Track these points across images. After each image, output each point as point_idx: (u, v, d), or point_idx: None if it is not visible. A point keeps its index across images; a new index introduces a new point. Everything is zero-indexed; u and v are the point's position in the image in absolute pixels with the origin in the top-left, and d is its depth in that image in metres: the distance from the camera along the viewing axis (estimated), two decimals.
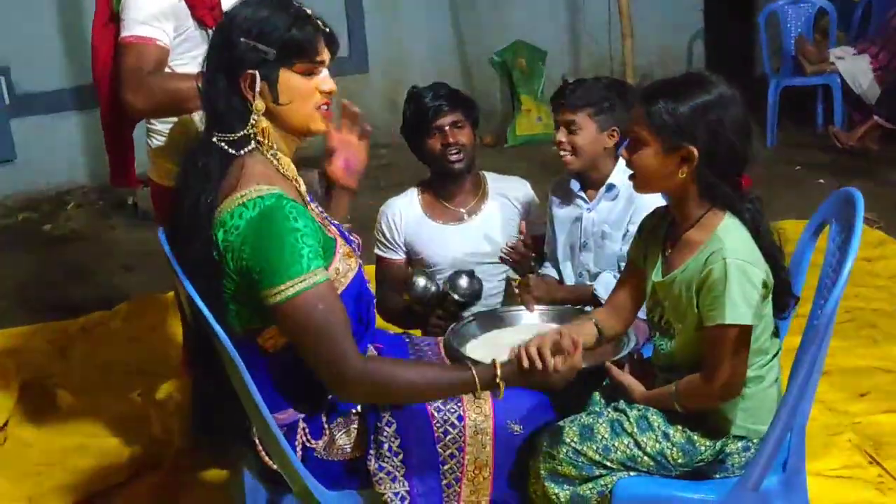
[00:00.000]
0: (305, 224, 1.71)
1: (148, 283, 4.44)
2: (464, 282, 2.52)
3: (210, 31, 2.44)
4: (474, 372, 1.82)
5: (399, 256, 2.81)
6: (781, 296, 1.83)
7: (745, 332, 1.75)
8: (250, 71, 1.73)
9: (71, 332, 3.92)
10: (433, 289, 2.54)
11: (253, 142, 1.78)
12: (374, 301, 2.02)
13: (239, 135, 1.76)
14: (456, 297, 2.51)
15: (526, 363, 1.80)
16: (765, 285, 1.77)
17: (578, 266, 2.61)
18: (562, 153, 2.54)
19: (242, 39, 1.72)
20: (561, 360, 1.79)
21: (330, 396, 1.90)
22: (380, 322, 2.53)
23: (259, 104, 1.75)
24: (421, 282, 2.55)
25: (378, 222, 2.84)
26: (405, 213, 2.79)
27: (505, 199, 2.79)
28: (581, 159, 2.52)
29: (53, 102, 5.94)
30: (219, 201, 1.72)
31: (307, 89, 1.80)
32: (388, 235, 2.80)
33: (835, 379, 3.05)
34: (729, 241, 1.76)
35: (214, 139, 1.76)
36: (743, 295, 1.73)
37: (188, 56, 2.45)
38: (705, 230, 1.81)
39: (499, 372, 1.82)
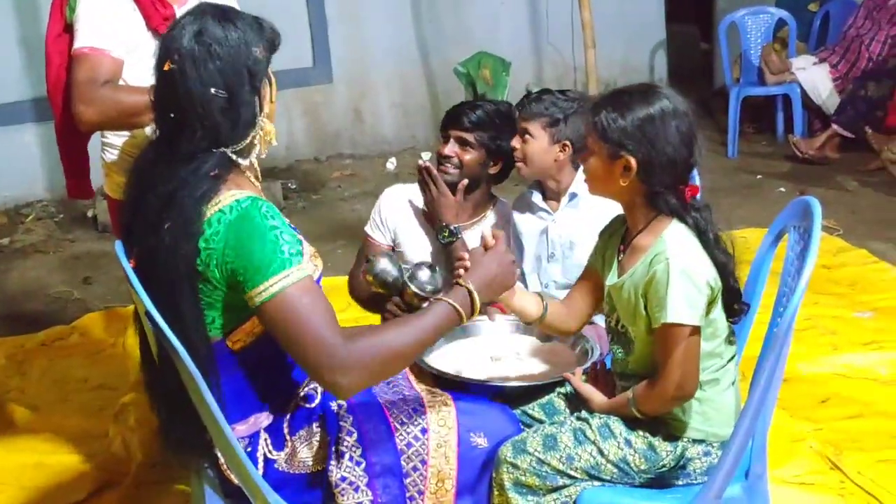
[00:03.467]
0: (282, 222, 1.73)
1: (107, 296, 4.40)
2: (424, 275, 2.41)
3: None
4: (450, 302, 1.79)
5: (384, 241, 2.78)
6: (731, 303, 1.87)
7: (691, 332, 1.78)
8: (264, 77, 1.81)
9: (29, 347, 3.86)
10: (394, 273, 2.42)
11: (252, 150, 1.82)
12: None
13: (246, 142, 1.79)
14: (414, 289, 2.45)
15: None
16: (710, 287, 1.80)
17: (545, 277, 2.61)
18: (515, 159, 2.56)
19: (255, 49, 1.77)
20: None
21: (303, 394, 1.90)
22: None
23: (266, 107, 1.83)
24: (382, 263, 2.44)
25: (379, 200, 2.82)
26: (403, 201, 2.77)
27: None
28: (531, 168, 2.54)
29: (11, 114, 5.85)
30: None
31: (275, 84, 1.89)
32: (381, 216, 2.78)
33: (795, 386, 3.08)
34: (672, 244, 1.81)
35: (227, 152, 1.76)
36: (685, 295, 1.77)
37: (141, 66, 2.42)
38: (652, 235, 1.86)
39: (470, 286, 1.80)
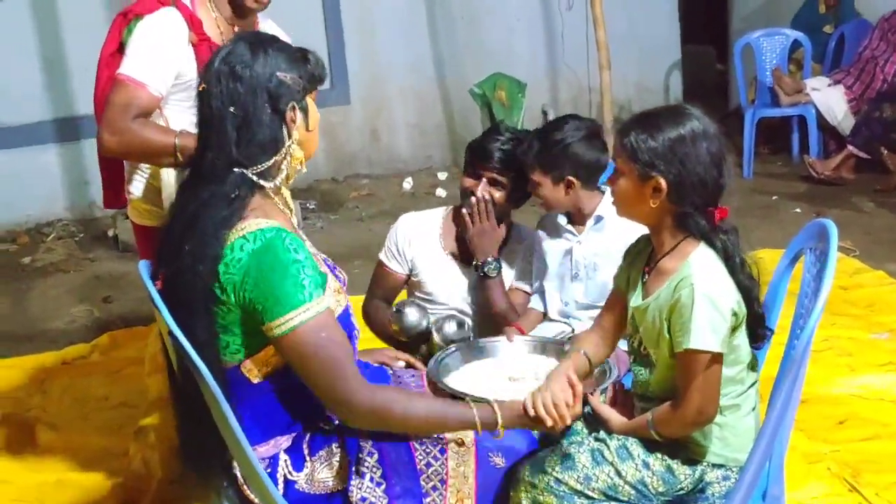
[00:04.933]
0: (305, 256, 1.75)
1: (128, 315, 4.43)
2: (450, 328, 2.44)
3: None
4: (476, 413, 1.85)
5: (402, 270, 2.76)
6: (755, 328, 1.87)
7: (713, 358, 1.78)
8: (293, 103, 1.81)
9: (50, 366, 3.89)
10: (422, 326, 2.47)
11: (278, 173, 1.83)
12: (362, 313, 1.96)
13: (268, 165, 1.81)
14: (439, 341, 2.45)
15: (541, 413, 1.84)
16: (735, 314, 1.80)
17: (567, 296, 2.63)
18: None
19: (280, 74, 1.79)
20: (567, 412, 1.85)
21: (320, 424, 1.91)
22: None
23: (296, 134, 1.83)
24: (412, 316, 2.48)
25: (393, 229, 2.79)
26: (421, 231, 2.76)
27: (520, 254, 2.77)
28: (553, 208, 2.59)
29: (32, 135, 5.93)
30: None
31: (318, 114, 1.91)
32: (398, 247, 2.76)
33: (813, 407, 3.08)
34: (698, 269, 1.80)
35: (247, 172, 1.78)
36: (709, 321, 1.76)
37: (184, 105, 2.44)
38: (678, 258, 1.85)
39: (499, 418, 1.85)
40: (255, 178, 1.79)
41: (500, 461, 1.93)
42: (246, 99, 1.77)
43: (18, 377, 3.78)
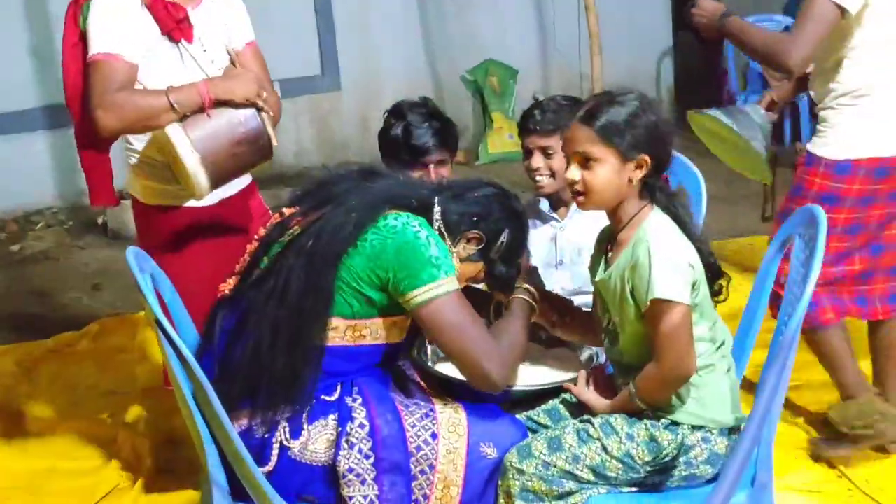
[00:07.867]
0: (440, 246, 1.92)
1: (117, 303, 4.42)
2: None
3: (180, 45, 2.44)
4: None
5: None
6: (714, 279, 1.92)
7: (680, 310, 1.80)
8: None
9: (39, 354, 3.88)
10: None
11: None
12: None
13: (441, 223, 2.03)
14: None
15: None
16: (691, 266, 1.84)
17: (553, 284, 2.60)
18: (538, 178, 2.54)
19: None
20: None
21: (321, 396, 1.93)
22: None
23: None
24: None
25: None
26: None
27: None
28: (558, 182, 2.53)
29: (22, 122, 5.89)
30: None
31: None
32: None
33: (803, 393, 3.08)
34: (652, 230, 1.86)
35: (436, 211, 2.01)
36: (668, 273, 1.80)
37: (157, 69, 2.42)
38: (634, 227, 1.90)
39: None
40: (437, 218, 2.01)
41: (491, 452, 1.93)
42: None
43: (7, 365, 3.76)
